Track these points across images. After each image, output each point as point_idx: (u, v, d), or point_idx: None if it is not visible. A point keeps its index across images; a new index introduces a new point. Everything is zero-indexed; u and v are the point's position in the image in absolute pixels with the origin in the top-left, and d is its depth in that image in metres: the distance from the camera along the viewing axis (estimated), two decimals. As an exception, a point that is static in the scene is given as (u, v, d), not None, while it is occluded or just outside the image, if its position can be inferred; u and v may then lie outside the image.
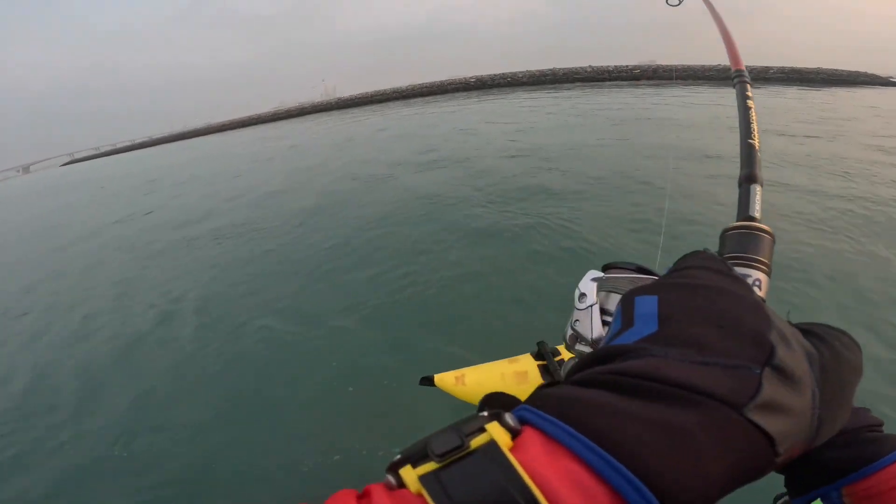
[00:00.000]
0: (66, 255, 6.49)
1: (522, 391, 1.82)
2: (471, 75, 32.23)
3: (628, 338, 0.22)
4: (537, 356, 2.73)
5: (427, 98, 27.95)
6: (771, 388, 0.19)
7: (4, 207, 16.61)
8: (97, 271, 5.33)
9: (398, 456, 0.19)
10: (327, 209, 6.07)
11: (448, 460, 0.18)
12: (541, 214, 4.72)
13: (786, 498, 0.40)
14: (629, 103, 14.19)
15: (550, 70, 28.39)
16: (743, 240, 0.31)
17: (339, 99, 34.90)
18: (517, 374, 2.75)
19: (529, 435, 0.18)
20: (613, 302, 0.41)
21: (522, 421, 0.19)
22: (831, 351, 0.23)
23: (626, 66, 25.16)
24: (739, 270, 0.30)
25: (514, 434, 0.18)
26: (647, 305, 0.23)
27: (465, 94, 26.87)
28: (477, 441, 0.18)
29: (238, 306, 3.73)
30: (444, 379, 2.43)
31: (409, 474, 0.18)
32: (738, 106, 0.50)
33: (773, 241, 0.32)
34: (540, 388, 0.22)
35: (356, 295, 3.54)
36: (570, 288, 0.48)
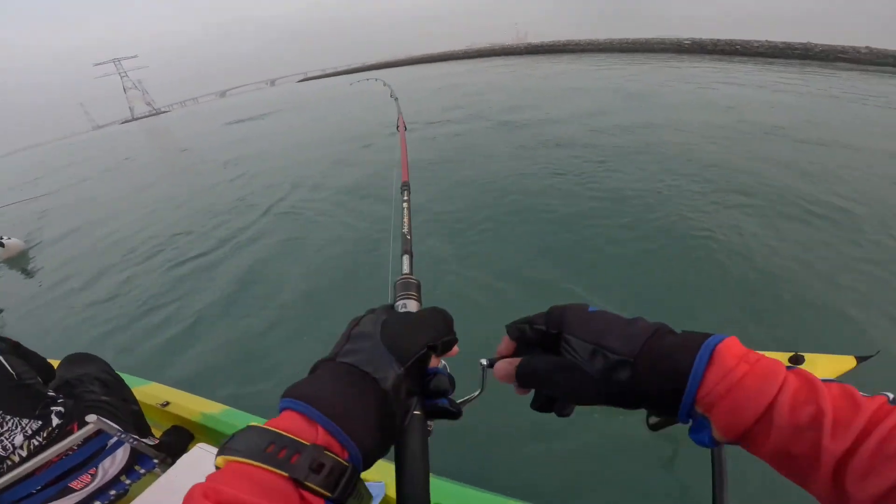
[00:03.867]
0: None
1: None
2: (686, 37, 27.19)
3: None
4: None
5: (629, 55, 24.81)
6: (348, 346, 0.38)
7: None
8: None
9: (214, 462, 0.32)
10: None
11: (228, 441, 0.32)
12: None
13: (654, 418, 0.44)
14: None
15: (802, 44, 21.79)
16: (402, 284, 0.51)
17: (528, 45, 33.81)
18: None
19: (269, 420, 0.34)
20: None
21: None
22: (398, 316, 0.42)
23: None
24: (401, 300, 0.48)
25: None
26: None
27: (672, 55, 23.05)
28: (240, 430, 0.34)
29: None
30: None
31: (217, 460, 0.31)
32: (400, 206, 0.75)
33: (419, 283, 0.52)
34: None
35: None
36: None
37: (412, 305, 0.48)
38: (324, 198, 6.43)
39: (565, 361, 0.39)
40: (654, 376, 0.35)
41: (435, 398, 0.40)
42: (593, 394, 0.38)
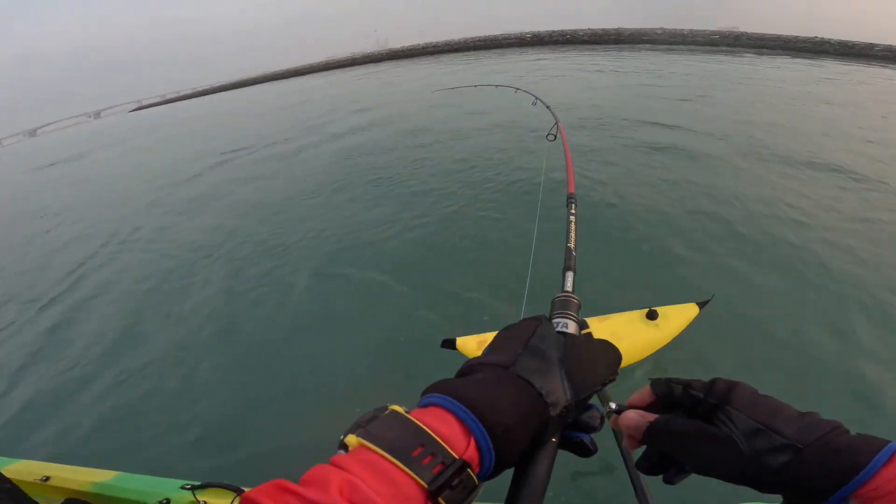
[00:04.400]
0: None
1: None
2: (527, 31, 30.22)
3: (478, 357, 0.41)
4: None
5: (480, 52, 26.79)
6: (526, 358, 0.37)
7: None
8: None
9: (341, 436, 0.32)
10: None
11: (369, 424, 0.32)
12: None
13: None
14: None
15: (615, 29, 26.03)
16: (561, 302, 0.53)
17: (390, 50, 34.07)
18: None
19: (415, 410, 0.34)
20: None
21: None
22: (576, 340, 0.41)
23: (705, 30, 22.62)
24: (558, 319, 0.52)
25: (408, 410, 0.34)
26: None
27: (519, 49, 25.55)
28: (384, 415, 0.33)
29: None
30: (467, 343, 2.13)
31: (351, 439, 0.31)
32: (566, 219, 0.73)
33: (580, 304, 0.54)
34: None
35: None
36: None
37: (572, 327, 0.50)
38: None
39: (717, 432, 0.38)
40: (821, 468, 0.34)
41: (578, 431, 0.40)
42: (735, 470, 0.37)
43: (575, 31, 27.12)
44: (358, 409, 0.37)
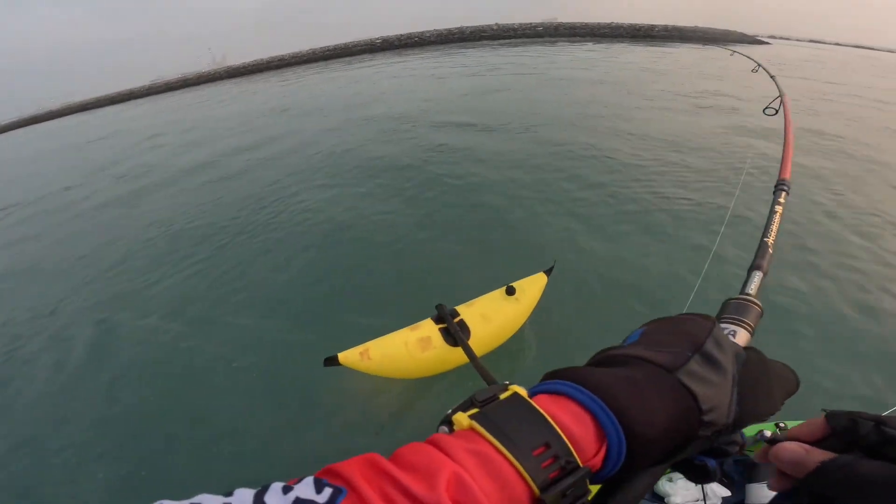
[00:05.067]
0: None
1: (426, 358, 2.04)
2: (376, 36, 30.01)
3: (620, 347, 0.35)
4: (437, 320, 2.18)
5: (330, 61, 25.66)
6: (696, 365, 0.30)
7: None
8: None
9: (448, 412, 0.27)
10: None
11: (486, 405, 0.27)
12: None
13: None
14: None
15: (458, 28, 27.37)
16: (736, 306, 0.48)
17: (229, 67, 30.69)
18: (420, 341, 2.11)
19: (539, 396, 0.29)
20: None
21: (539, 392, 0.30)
22: (758, 357, 0.34)
23: (531, 23, 25.04)
24: (726, 325, 0.47)
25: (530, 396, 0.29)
26: (637, 332, 0.36)
27: (370, 55, 25.28)
28: (504, 395, 0.28)
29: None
30: (349, 357, 1.98)
31: (461, 418, 0.26)
32: (770, 208, 0.64)
33: (762, 313, 0.49)
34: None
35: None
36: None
37: (742, 337, 0.43)
38: None
39: None
40: None
41: (707, 455, 0.34)
42: None
43: (422, 34, 27.73)
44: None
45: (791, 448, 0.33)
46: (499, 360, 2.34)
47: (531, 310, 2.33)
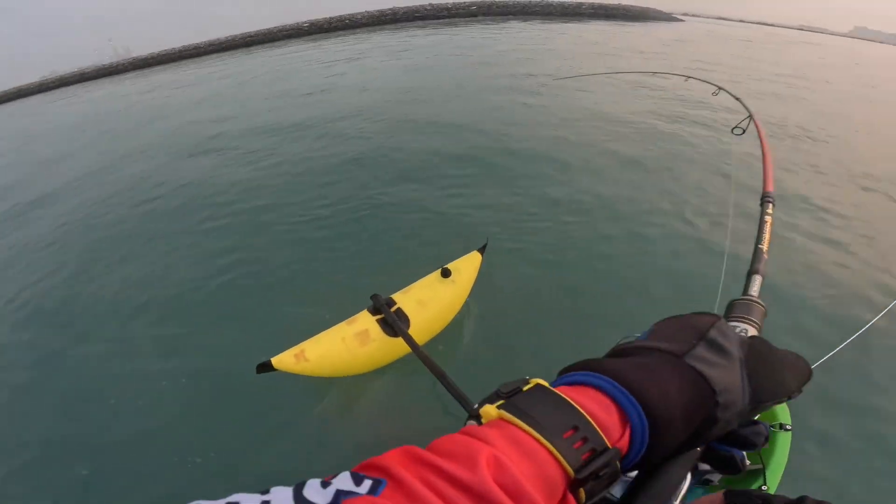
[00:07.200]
0: None
1: (367, 352, 1.89)
2: (304, 20, 28.18)
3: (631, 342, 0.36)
4: (374, 310, 2.04)
5: (255, 48, 23.66)
6: (702, 350, 0.32)
7: None
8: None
9: (475, 405, 0.28)
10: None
11: (512, 397, 0.28)
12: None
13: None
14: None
15: (391, 9, 26.42)
16: (742, 306, 0.53)
17: (135, 58, 27.44)
18: (358, 336, 1.95)
19: (560, 388, 0.30)
20: None
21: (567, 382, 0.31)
22: (763, 342, 0.35)
23: (464, 2, 24.80)
24: (735, 323, 0.52)
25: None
26: (645, 332, 0.37)
27: (297, 39, 23.64)
28: (526, 388, 0.29)
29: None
30: (284, 360, 1.79)
31: (490, 409, 0.28)
32: (760, 219, 0.72)
33: (766, 312, 0.53)
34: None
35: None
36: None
37: (751, 333, 0.45)
38: None
39: None
40: None
41: (733, 445, 0.36)
42: None
43: (353, 16, 26.44)
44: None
45: None
46: (439, 345, 2.18)
47: (468, 290, 2.23)
